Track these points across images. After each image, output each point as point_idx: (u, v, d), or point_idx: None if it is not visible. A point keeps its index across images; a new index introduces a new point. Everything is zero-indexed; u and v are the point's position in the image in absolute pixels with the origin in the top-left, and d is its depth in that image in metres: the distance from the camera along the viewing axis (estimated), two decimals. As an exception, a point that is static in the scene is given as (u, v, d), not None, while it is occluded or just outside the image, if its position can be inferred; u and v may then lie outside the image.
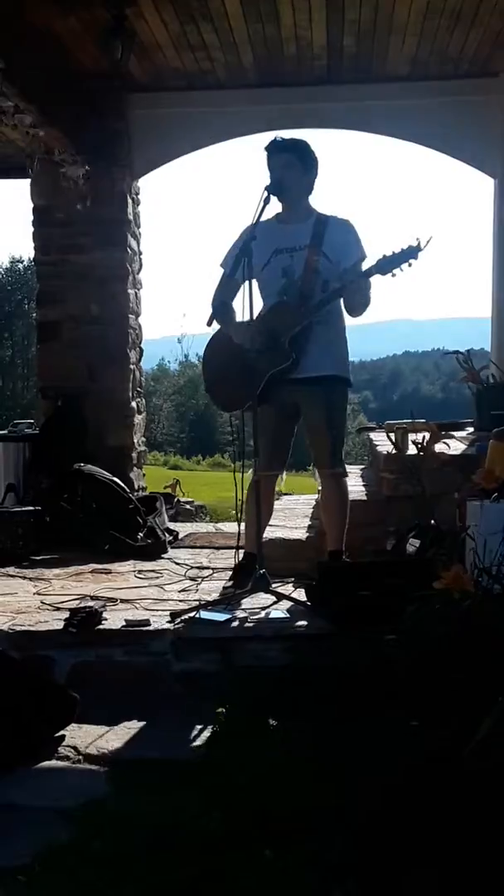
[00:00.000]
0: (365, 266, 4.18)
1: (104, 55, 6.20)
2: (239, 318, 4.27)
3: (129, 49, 6.06)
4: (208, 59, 6.59)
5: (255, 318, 4.20)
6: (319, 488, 4.67)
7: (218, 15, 5.87)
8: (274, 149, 4.31)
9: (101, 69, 6.58)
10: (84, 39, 6.24)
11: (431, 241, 4.02)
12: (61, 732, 3.29)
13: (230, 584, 4.49)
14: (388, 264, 4.05)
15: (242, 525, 4.51)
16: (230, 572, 4.67)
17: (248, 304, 4.06)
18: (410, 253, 4.03)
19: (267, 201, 4.12)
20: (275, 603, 4.13)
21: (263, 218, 4.18)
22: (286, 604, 4.10)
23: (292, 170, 4.29)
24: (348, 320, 4.39)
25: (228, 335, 4.35)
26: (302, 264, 4.27)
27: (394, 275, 4.05)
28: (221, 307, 4.35)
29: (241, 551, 4.51)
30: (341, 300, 4.31)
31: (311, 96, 6.96)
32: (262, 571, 4.12)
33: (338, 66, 6.71)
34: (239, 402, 4.27)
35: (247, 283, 4.06)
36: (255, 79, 6.91)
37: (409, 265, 4.03)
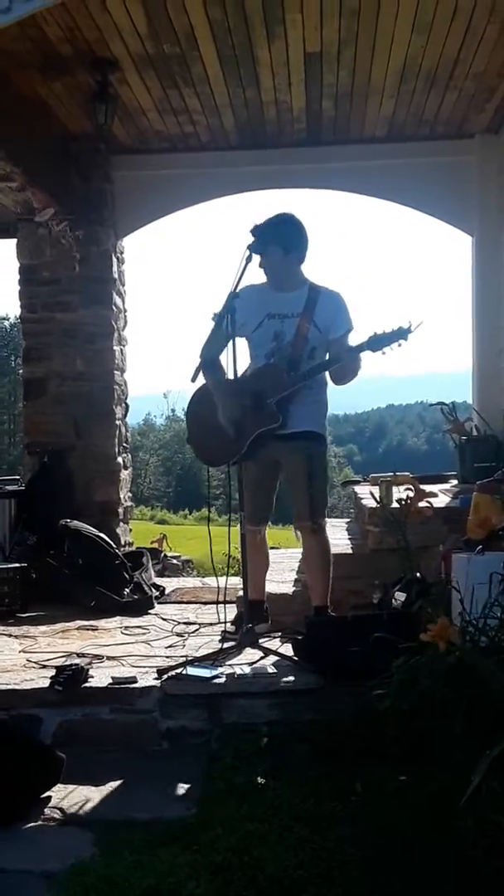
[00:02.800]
0: (355, 340, 4.27)
1: (89, 119, 6.34)
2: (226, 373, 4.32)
3: (113, 113, 6.19)
4: (190, 122, 6.73)
5: (240, 376, 4.26)
6: (301, 543, 4.68)
7: (199, 80, 6.00)
8: (255, 235, 4.32)
9: (87, 132, 6.72)
10: (69, 104, 6.37)
11: (421, 325, 4.14)
12: (47, 793, 3.24)
13: (232, 628, 4.49)
14: (378, 343, 4.14)
15: (227, 580, 4.51)
16: (219, 626, 4.64)
17: (232, 360, 4.18)
18: (401, 334, 4.13)
19: (249, 259, 4.20)
20: (262, 658, 4.10)
21: (258, 281, 4.35)
22: (274, 659, 4.07)
23: (274, 252, 4.37)
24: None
25: (211, 392, 4.39)
26: (293, 331, 4.35)
27: (384, 353, 4.14)
28: (211, 364, 4.39)
29: (231, 605, 4.49)
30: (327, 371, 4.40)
31: (291, 157, 7.10)
32: (248, 626, 4.10)
33: (316, 127, 6.86)
34: (223, 459, 4.33)
35: (230, 339, 4.15)
36: (237, 141, 7.05)
37: (399, 345, 4.13)
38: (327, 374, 4.40)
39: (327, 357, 4.33)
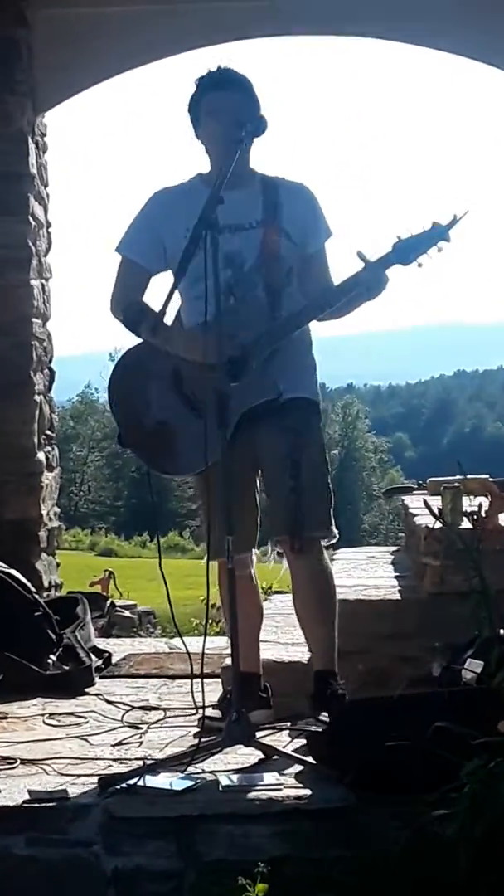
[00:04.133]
0: (373, 255, 4.26)
1: None
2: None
3: None
4: None
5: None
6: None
7: None
8: (214, 83, 4.42)
9: None
10: None
11: (467, 214, 4.14)
12: None
13: (216, 715, 4.51)
14: (408, 250, 4.17)
15: (205, 640, 4.50)
16: (194, 712, 4.65)
17: (206, 304, 4.06)
18: (439, 232, 4.15)
19: (247, 146, 4.33)
20: (261, 761, 4.10)
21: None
22: (280, 762, 4.07)
23: (236, 115, 4.37)
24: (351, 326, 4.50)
25: (157, 352, 4.38)
26: (257, 248, 4.38)
27: (420, 264, 4.18)
28: (135, 310, 4.40)
29: (214, 681, 4.51)
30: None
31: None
32: (238, 712, 4.10)
33: None
34: (195, 460, 4.26)
35: (207, 271, 4.08)
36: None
37: (439, 250, 4.17)
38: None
39: (338, 287, 4.35)
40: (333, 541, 4.59)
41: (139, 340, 4.47)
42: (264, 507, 4.58)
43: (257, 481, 4.56)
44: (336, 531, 4.54)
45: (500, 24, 7.04)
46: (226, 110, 4.37)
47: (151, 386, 4.43)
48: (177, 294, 4.27)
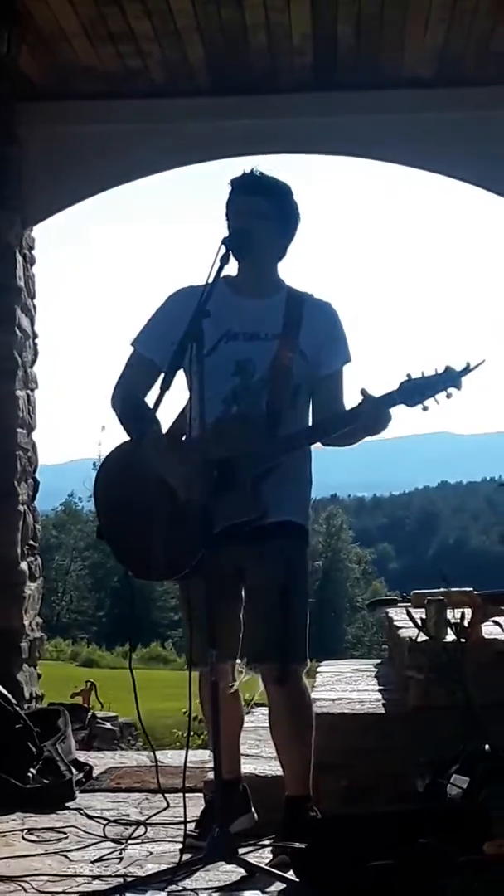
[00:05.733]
0: (377, 391, 4.21)
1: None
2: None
3: (19, 39, 6.31)
4: (138, 53, 6.88)
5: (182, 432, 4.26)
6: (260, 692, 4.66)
7: (152, -9, 6.15)
8: (245, 187, 4.43)
9: (-20, 68, 6.84)
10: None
11: (483, 364, 4.09)
12: None
13: (196, 832, 4.44)
14: (416, 392, 4.11)
15: (187, 753, 4.46)
16: (176, 828, 4.60)
17: (195, 412, 4.11)
18: (451, 378, 4.09)
19: (225, 261, 4.22)
20: (244, 878, 4.05)
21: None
22: (263, 879, 4.02)
23: (266, 220, 4.42)
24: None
25: (145, 454, 4.34)
26: (268, 361, 4.34)
27: (425, 408, 4.11)
28: (133, 405, 4.38)
29: (196, 795, 4.46)
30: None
31: (290, 108, 7.27)
32: (219, 827, 4.06)
33: (329, 64, 7.03)
34: (170, 566, 4.27)
35: (195, 380, 4.11)
36: (207, 82, 7.22)
37: (448, 396, 4.11)
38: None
39: (336, 416, 4.33)
40: (307, 668, 4.55)
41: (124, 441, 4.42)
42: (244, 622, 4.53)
43: (242, 593, 4.49)
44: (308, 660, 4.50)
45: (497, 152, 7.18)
46: (247, 211, 4.37)
47: (134, 485, 4.38)
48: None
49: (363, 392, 4.19)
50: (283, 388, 4.32)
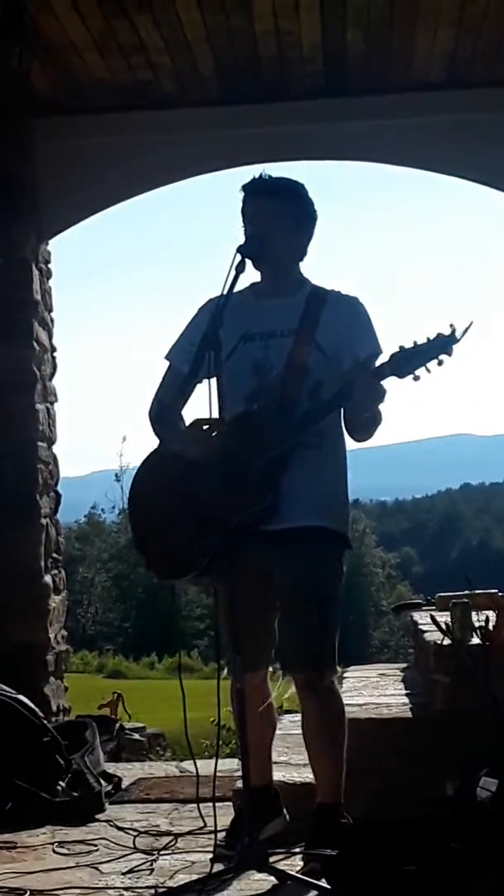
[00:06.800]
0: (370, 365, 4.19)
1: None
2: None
3: (31, 54, 6.33)
4: (148, 65, 6.91)
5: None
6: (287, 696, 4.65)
7: (161, 4, 6.17)
8: (256, 191, 4.44)
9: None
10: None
11: (471, 327, 4.02)
12: None
13: (223, 844, 4.43)
14: (406, 361, 4.03)
15: (217, 762, 4.46)
16: (206, 838, 4.59)
17: (213, 410, 4.09)
18: (441, 344, 4.00)
19: (241, 269, 4.22)
20: (276, 887, 4.05)
21: (235, 289, 4.27)
22: (294, 888, 4.01)
23: (282, 223, 4.41)
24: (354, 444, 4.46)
25: (172, 457, 4.33)
26: (283, 358, 4.32)
27: (416, 377, 4.03)
28: (164, 415, 4.38)
29: (226, 804, 4.46)
30: (342, 415, 4.38)
31: (301, 116, 7.29)
32: (250, 836, 4.05)
33: (339, 71, 7.06)
34: (185, 566, 4.25)
35: (212, 382, 4.09)
36: (217, 92, 7.26)
37: (440, 363, 4.02)
38: (344, 429, 4.41)
39: (334, 394, 4.24)
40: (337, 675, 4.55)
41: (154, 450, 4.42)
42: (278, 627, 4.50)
43: (272, 599, 4.46)
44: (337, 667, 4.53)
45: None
46: (261, 216, 4.37)
47: (162, 492, 4.36)
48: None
49: (355, 363, 4.16)
50: (300, 383, 4.28)
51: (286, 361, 4.30)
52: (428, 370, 4.01)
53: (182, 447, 4.27)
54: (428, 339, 4.00)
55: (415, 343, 4.00)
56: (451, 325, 3.99)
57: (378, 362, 4.15)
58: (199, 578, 4.27)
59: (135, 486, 4.54)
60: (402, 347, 4.03)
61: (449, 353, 3.99)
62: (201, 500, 4.14)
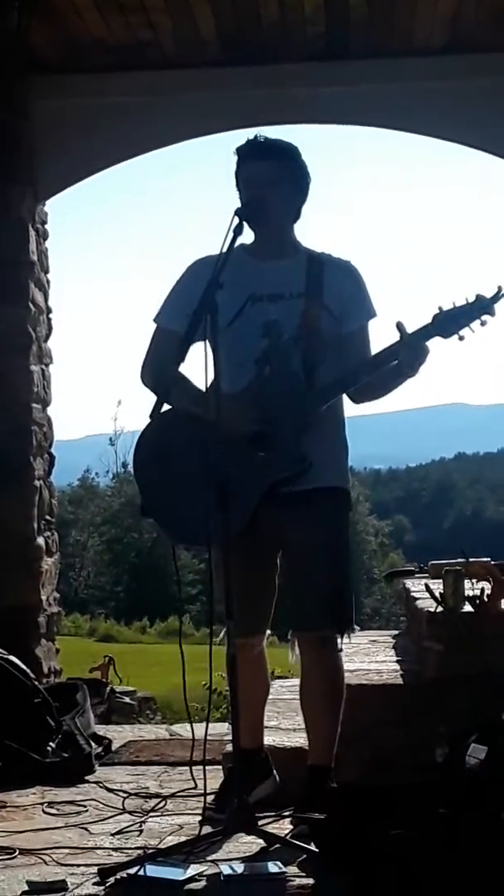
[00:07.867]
0: (410, 327, 4.20)
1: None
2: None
3: (29, 12, 6.28)
4: (148, 25, 6.86)
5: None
6: (294, 662, 4.66)
7: (162, -37, 6.14)
8: (251, 153, 4.44)
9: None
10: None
11: None
12: None
13: (213, 806, 4.43)
14: (451, 322, 4.12)
15: (207, 727, 4.45)
16: (195, 800, 4.60)
17: (220, 380, 4.04)
18: (483, 305, 4.10)
19: (238, 231, 4.20)
20: (264, 850, 4.05)
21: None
22: (282, 851, 4.00)
23: (278, 186, 4.41)
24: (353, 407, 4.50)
25: (186, 420, 4.29)
26: (296, 320, 4.34)
27: (461, 337, 4.14)
28: (162, 373, 4.30)
29: (215, 767, 4.46)
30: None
31: (303, 78, 7.25)
32: (239, 798, 4.06)
33: (340, 33, 7.01)
34: (215, 531, 4.21)
35: (207, 347, 4.06)
36: (218, 53, 7.21)
37: (483, 323, 4.12)
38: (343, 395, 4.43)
39: (373, 357, 4.30)
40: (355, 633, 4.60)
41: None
42: (284, 593, 4.53)
43: (278, 562, 4.51)
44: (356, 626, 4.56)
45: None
46: (257, 179, 4.37)
47: (173, 453, 4.36)
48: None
49: (398, 327, 4.18)
50: (315, 344, 4.32)
51: (300, 323, 4.32)
52: (472, 330, 4.12)
53: (201, 409, 4.20)
54: (469, 301, 4.10)
55: (455, 305, 4.10)
56: (499, 286, 4.08)
57: (418, 323, 4.18)
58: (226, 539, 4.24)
59: (143, 448, 4.52)
60: (441, 309, 4.12)
61: (492, 314, 4.10)
62: (222, 467, 4.04)
